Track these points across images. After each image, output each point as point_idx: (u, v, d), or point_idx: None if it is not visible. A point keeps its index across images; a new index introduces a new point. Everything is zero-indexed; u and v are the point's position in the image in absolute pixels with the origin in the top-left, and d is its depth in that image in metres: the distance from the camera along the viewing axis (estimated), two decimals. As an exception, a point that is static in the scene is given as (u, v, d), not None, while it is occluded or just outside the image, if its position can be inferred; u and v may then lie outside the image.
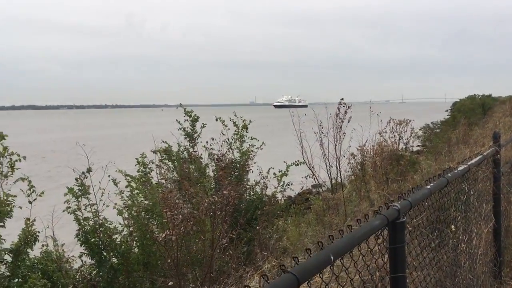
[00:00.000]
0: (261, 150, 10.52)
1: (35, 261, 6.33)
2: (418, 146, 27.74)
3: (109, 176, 7.24)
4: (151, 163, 8.09)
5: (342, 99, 9.15)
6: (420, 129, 35.80)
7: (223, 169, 7.10)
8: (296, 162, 10.79)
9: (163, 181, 7.91)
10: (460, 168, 3.57)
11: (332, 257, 1.68)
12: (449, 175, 3.27)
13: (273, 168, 10.40)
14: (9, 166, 6.11)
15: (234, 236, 6.37)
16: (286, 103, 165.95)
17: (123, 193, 7.59)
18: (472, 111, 37.11)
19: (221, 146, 9.33)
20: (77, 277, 6.77)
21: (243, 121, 10.53)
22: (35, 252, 6.57)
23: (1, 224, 5.87)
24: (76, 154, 6.96)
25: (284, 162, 10.72)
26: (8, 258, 5.79)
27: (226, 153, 9.06)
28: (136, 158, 8.04)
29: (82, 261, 6.99)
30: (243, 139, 10.45)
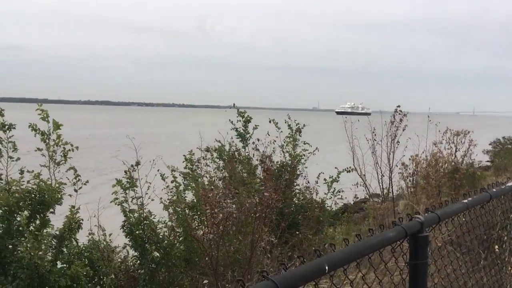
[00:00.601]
0: (313, 156, 10.34)
1: (83, 248, 6.57)
2: (487, 161, 26.34)
3: (158, 170, 7.39)
4: (198, 161, 8.16)
5: (399, 106, 8.79)
6: (489, 144, 33.91)
7: (266, 170, 7.00)
8: (347, 168, 10.51)
9: (206, 178, 7.95)
10: (509, 184, 3.26)
11: (327, 268, 1.54)
12: (494, 190, 2.99)
13: (323, 173, 10.20)
14: (62, 155, 6.38)
15: (273, 240, 6.25)
16: (349, 110, 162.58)
17: (172, 189, 7.70)
18: (551, 126, 34.55)
19: (266, 147, 9.26)
20: (122, 267, 6.94)
21: (296, 125, 10.41)
22: (84, 240, 6.82)
23: (52, 210, 6.11)
24: (143, 149, 7.21)
25: (336, 168, 10.48)
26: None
27: (270, 155, 8.97)
28: (184, 155, 8.16)
29: (127, 251, 7.17)
30: (296, 143, 10.33)
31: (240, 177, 8.27)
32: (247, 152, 10.10)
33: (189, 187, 7.68)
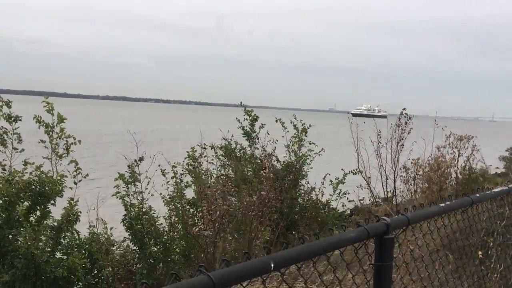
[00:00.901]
0: (319, 156, 10.30)
1: (84, 240, 6.65)
2: (504, 168, 26.10)
3: (159, 165, 7.44)
4: (198, 158, 8.19)
5: (404, 109, 8.70)
6: (506, 150, 33.38)
7: (264, 169, 7.00)
8: (354, 171, 10.46)
9: (206, 175, 7.98)
10: (495, 190, 3.21)
11: (272, 265, 1.53)
12: (477, 195, 2.94)
13: (329, 174, 10.16)
14: (65, 148, 6.47)
15: (268, 238, 6.25)
16: (365, 112, 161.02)
17: (174, 185, 7.73)
18: None
19: (265, 146, 9.24)
20: (121, 261, 7.00)
21: (302, 125, 10.37)
22: (85, 232, 6.91)
23: (52, 202, 6.20)
24: (159, 145, 7.31)
25: (342, 170, 10.43)
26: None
27: (271, 153, 8.97)
28: (187, 151, 8.20)
29: (129, 245, 7.23)
30: (302, 143, 10.30)
31: (241, 175, 8.28)
32: (252, 150, 10.12)
33: (190, 184, 7.72)
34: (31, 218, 5.96)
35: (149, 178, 6.89)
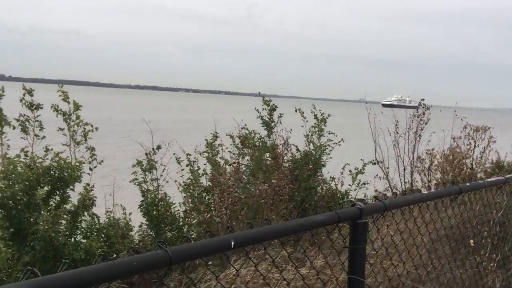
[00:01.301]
0: (338, 147, 10.31)
1: (103, 225, 6.91)
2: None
3: (174, 154, 7.64)
4: (216, 147, 8.35)
5: (423, 99, 8.60)
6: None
7: (274, 158, 7.08)
8: (373, 161, 10.45)
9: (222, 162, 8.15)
10: (490, 179, 3.20)
11: (233, 243, 1.63)
12: (467, 184, 2.95)
13: (348, 165, 10.17)
14: (83, 135, 6.71)
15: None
16: (395, 103, 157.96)
17: (192, 172, 7.92)
18: None
19: (280, 135, 9.31)
20: (139, 245, 7.24)
21: (321, 114, 10.39)
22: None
23: (72, 187, 6.46)
24: (189, 135, 7.56)
25: (361, 160, 10.43)
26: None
27: (285, 142, 9.04)
28: (206, 140, 8.37)
29: (146, 231, 7.47)
30: (322, 133, 10.33)
31: (256, 164, 8.37)
32: (272, 140, 10.21)
33: (206, 172, 7.88)
34: (51, 203, 6.23)
35: (164, 165, 7.09)
